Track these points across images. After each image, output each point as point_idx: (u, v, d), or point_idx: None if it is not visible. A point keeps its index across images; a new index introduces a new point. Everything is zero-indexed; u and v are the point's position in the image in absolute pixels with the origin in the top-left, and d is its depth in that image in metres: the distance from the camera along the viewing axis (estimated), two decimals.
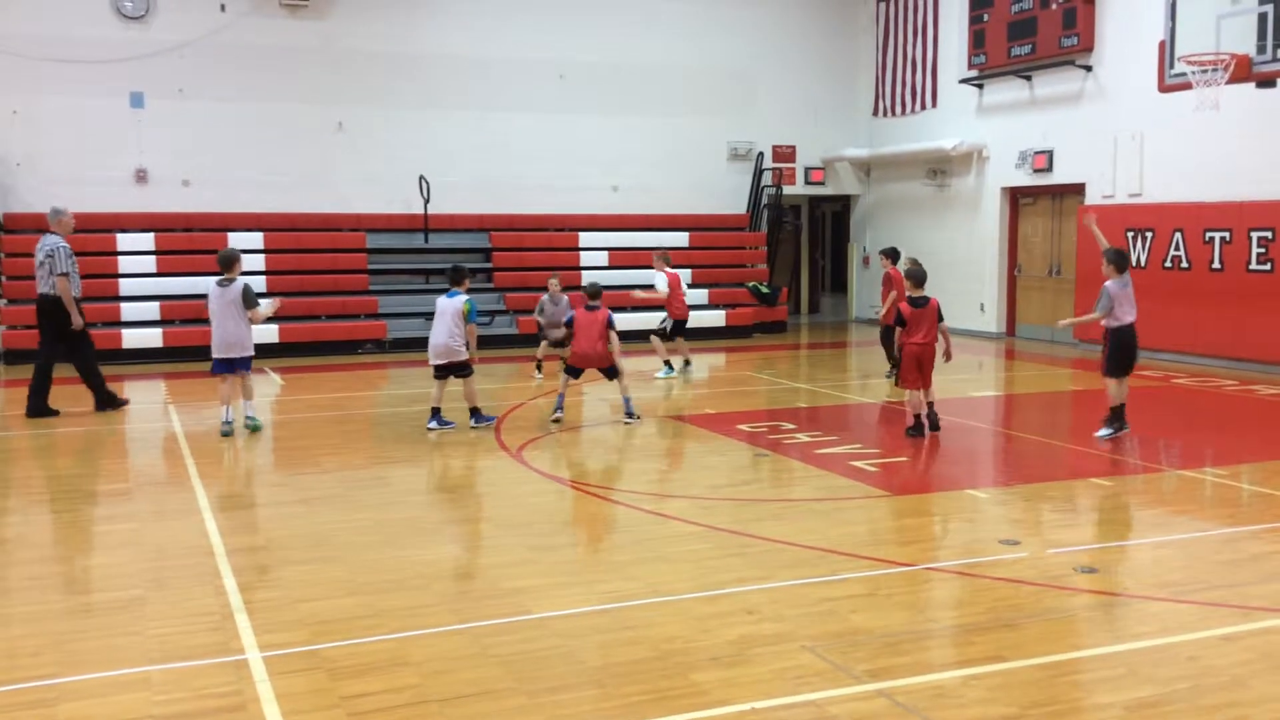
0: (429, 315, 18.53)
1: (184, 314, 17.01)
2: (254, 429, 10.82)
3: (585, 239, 20.26)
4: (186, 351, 16.12)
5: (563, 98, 20.51)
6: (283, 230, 18.58)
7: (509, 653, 5.18)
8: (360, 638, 5.36)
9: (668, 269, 14.97)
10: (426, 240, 19.38)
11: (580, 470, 9.13)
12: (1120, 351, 9.95)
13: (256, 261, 18.18)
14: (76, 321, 11.77)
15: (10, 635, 5.50)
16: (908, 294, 10.54)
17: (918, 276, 10.49)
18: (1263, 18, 12.33)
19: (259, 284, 17.94)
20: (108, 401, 12.18)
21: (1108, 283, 9.89)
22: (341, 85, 19.11)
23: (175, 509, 8.03)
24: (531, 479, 8.91)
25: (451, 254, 19.60)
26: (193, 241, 17.92)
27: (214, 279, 10.71)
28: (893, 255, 14.44)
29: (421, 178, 19.17)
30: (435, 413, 10.91)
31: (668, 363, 14.83)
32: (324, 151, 19.08)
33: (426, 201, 19.25)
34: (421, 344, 17.96)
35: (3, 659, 5.23)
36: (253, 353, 10.89)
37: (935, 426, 10.45)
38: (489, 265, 19.63)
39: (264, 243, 18.34)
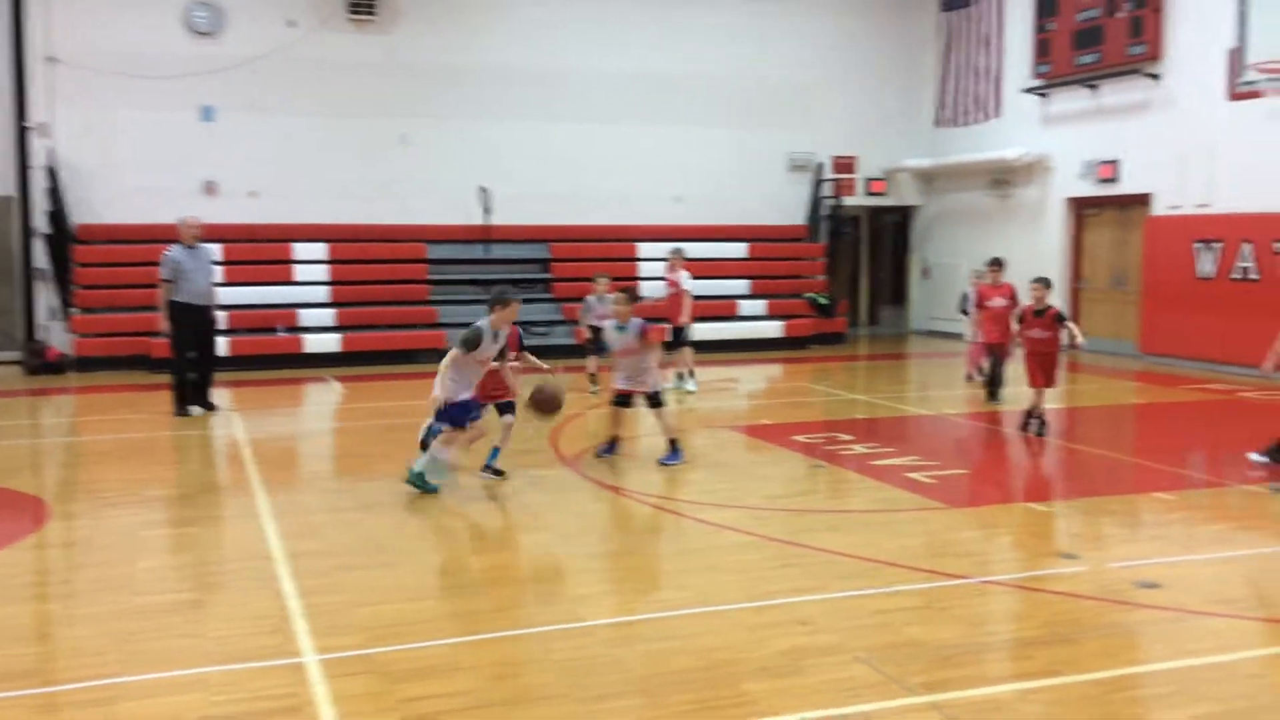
0: None
1: (250, 323, 17.32)
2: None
3: (644, 249, 20.29)
4: (252, 360, 16.42)
5: (622, 109, 20.60)
6: (346, 241, 18.85)
7: (563, 659, 5.21)
8: (417, 642, 5.42)
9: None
10: (486, 251, 19.56)
11: (635, 479, 9.14)
12: None
13: (320, 272, 18.48)
14: (160, 325, 12.27)
15: (74, 635, 5.64)
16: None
17: None
18: None
19: (321, 294, 18.27)
20: (202, 400, 12.49)
21: None
22: (405, 98, 19.37)
23: (236, 514, 8.19)
24: (586, 488, 8.94)
25: (511, 264, 19.76)
26: (259, 252, 18.25)
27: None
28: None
29: (482, 188, 19.37)
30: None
31: (681, 374, 14.35)
32: (387, 163, 19.34)
33: (487, 212, 19.44)
34: None
35: (67, 657, 5.37)
36: (446, 397, 8.56)
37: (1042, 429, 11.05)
38: (548, 275, 19.75)
39: (328, 253, 18.62)
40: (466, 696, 4.80)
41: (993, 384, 13.28)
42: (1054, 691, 4.80)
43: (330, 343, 17.56)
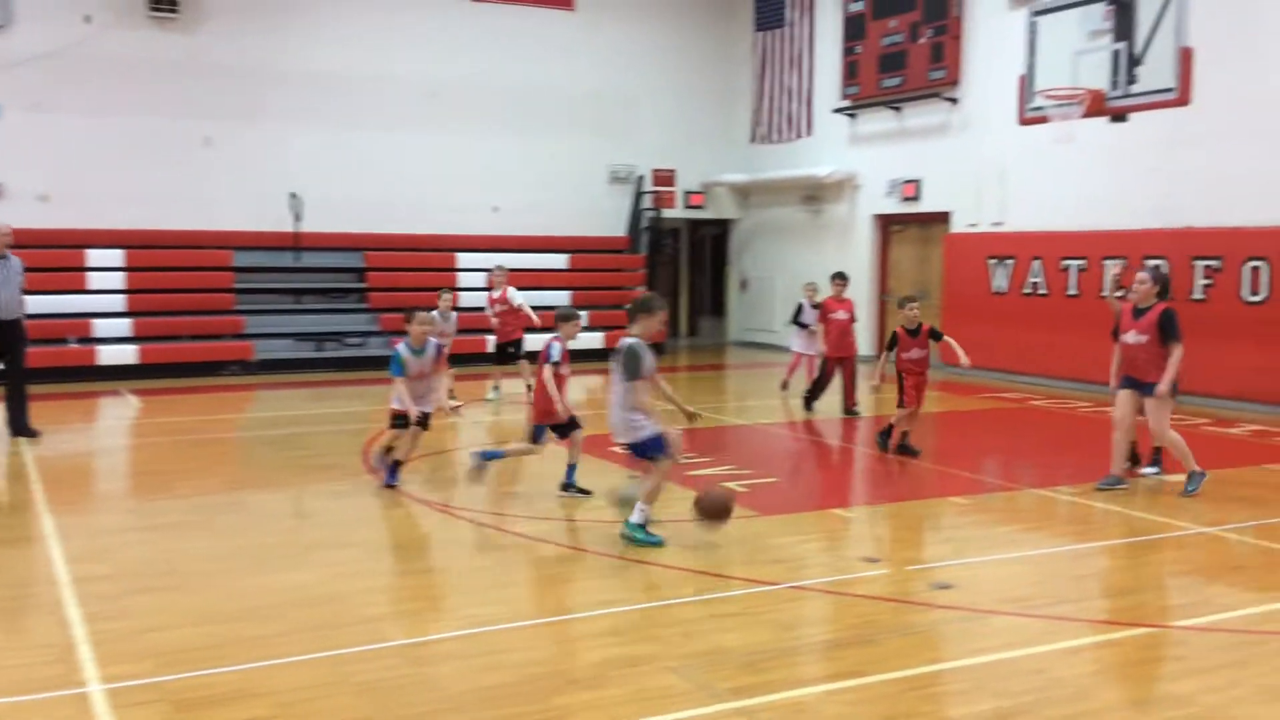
0: (299, 336, 18.32)
1: (39, 334, 16.23)
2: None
3: (463, 260, 20.08)
4: (41, 374, 15.38)
5: (442, 116, 20.33)
6: (145, 248, 17.97)
7: (366, 681, 5.05)
8: (210, 668, 5.16)
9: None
10: (297, 259, 18.97)
11: (448, 493, 8.98)
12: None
13: (116, 280, 17.56)
14: None
15: None
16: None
17: None
18: (1116, 55, 12.93)
19: (117, 303, 17.34)
20: (21, 429, 11.34)
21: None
22: (210, 99, 18.61)
23: (20, 536, 7.66)
24: (397, 502, 8.74)
25: (324, 273, 19.26)
26: (49, 259, 17.18)
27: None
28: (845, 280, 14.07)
29: (293, 194, 18.77)
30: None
31: (497, 385, 14.55)
32: (190, 167, 18.53)
33: (297, 219, 18.85)
34: (290, 365, 17.66)
35: None
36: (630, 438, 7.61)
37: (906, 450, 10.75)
38: (363, 285, 19.31)
39: (125, 260, 17.71)
40: None
41: (815, 395, 13.63)
42: (856, 692, 4.94)
43: (126, 354, 16.71)
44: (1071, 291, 15.85)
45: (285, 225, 18.92)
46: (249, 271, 18.62)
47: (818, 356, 14.07)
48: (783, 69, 22.12)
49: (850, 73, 20.04)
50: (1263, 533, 7.79)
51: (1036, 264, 16.52)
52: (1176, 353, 8.70)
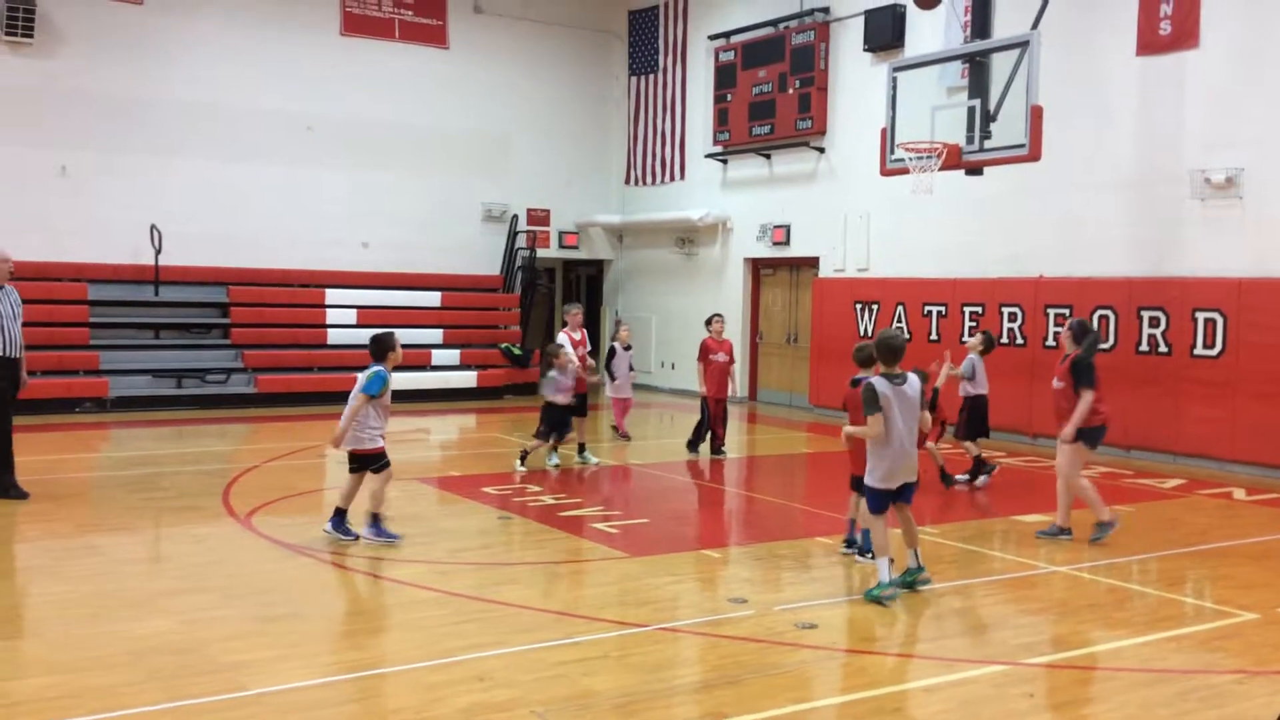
0: (156, 372, 17.67)
1: None
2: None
3: (332, 296, 19.74)
4: None
5: (310, 151, 20.00)
6: None
7: None
8: (60, 719, 4.94)
9: None
10: (157, 293, 18.36)
11: (312, 536, 8.76)
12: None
13: None
14: None
15: None
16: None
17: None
18: (971, 111, 13.43)
19: None
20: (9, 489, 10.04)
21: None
22: (66, 127, 17.95)
23: None
24: (260, 546, 8.50)
25: (185, 308, 18.69)
26: None
27: (884, 380, 7.74)
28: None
29: (153, 227, 18.19)
30: None
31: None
32: (43, 196, 17.79)
33: (158, 252, 18.26)
34: (148, 403, 17.05)
35: None
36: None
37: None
38: (226, 320, 18.79)
39: None
40: None
41: (699, 438, 13.58)
42: None
43: None
44: (933, 337, 16.38)
45: (144, 258, 18.31)
46: (105, 305, 17.94)
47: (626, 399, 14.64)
48: (656, 114, 22.45)
49: (721, 120, 20.45)
50: (1113, 571, 8.15)
51: (900, 309, 17.04)
52: (1085, 398, 8.88)
